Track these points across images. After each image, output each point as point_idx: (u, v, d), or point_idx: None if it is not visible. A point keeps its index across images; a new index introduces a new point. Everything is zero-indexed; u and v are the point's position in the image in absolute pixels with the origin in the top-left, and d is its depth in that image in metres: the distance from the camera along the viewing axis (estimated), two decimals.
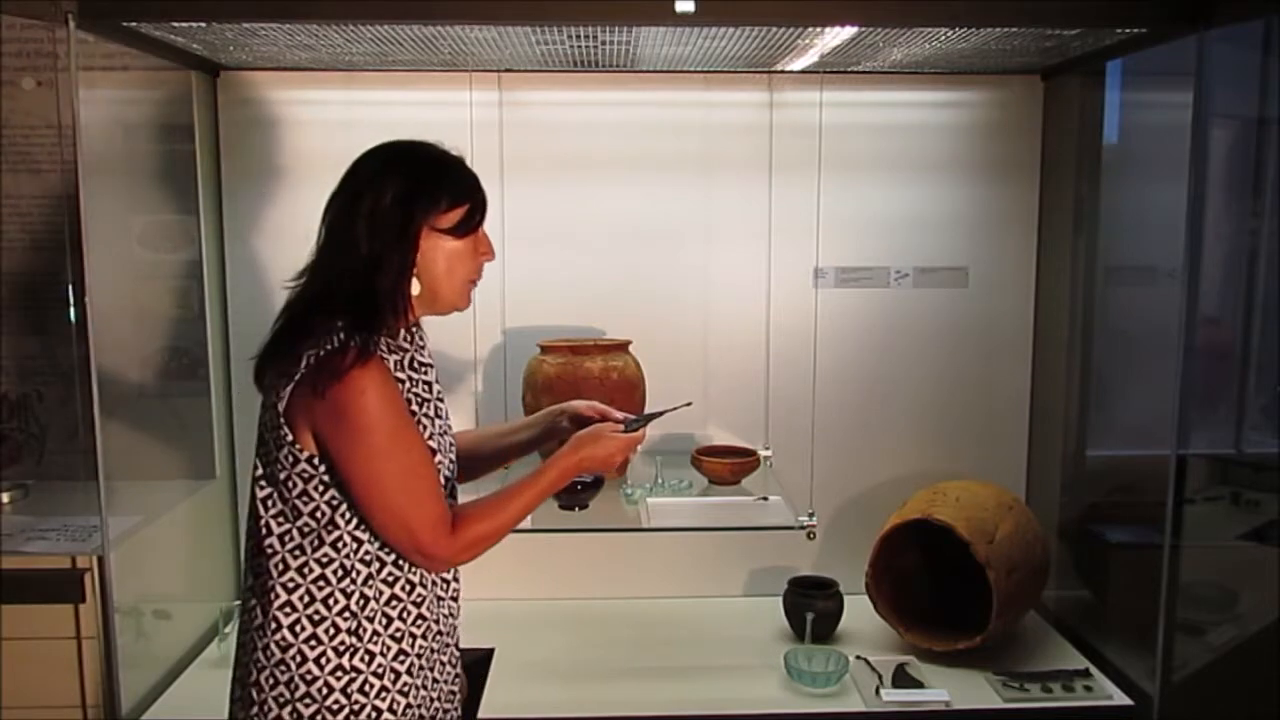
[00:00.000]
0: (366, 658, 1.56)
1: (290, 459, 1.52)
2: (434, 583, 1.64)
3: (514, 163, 2.73)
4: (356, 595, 1.55)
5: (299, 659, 1.54)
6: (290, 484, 1.53)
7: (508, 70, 2.69)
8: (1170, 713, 2.25)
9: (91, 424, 2.10)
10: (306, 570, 1.55)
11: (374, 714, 1.56)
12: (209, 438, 2.70)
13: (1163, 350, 2.25)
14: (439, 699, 1.67)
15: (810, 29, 2.18)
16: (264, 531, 1.56)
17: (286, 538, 1.55)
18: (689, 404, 1.52)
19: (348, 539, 1.55)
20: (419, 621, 1.61)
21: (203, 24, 2.14)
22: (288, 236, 2.68)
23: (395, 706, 1.58)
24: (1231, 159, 2.21)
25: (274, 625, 1.55)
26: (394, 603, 1.58)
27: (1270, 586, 2.02)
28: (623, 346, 2.61)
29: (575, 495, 2.28)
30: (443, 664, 1.67)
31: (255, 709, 1.56)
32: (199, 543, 2.68)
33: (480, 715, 2.20)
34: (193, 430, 2.69)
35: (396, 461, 1.49)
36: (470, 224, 1.61)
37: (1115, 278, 2.64)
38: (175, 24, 2.14)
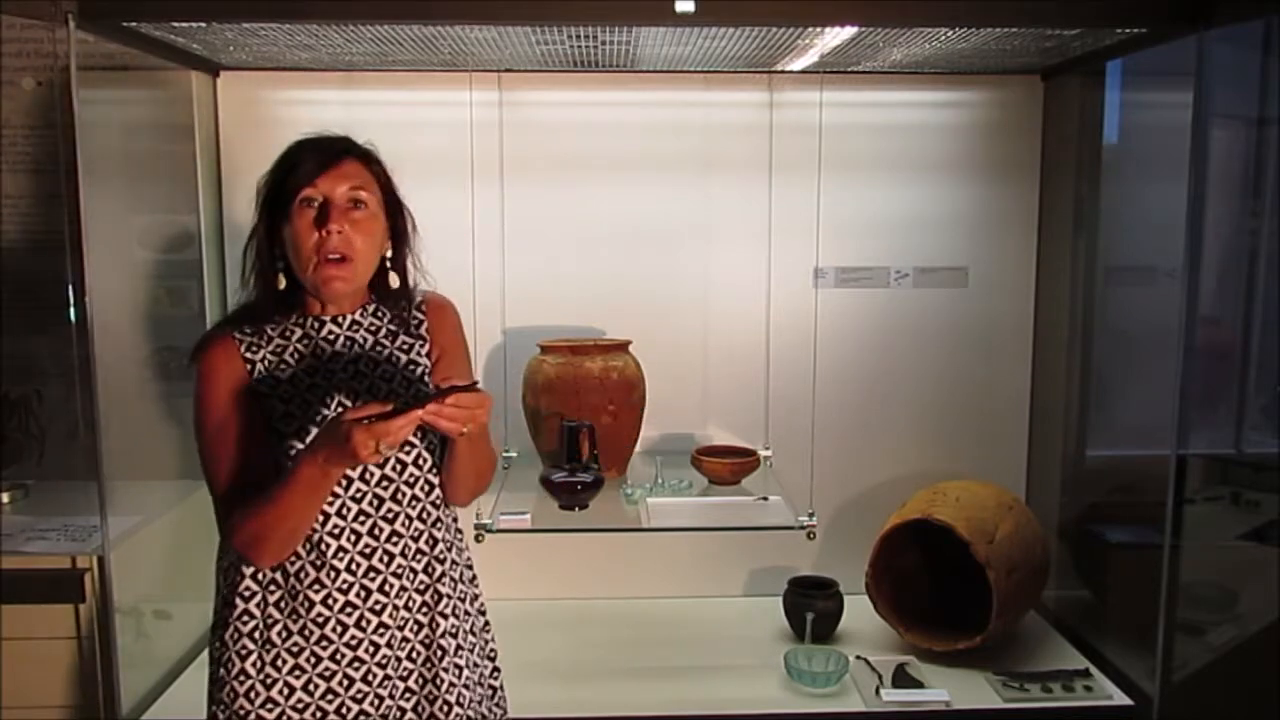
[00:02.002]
0: (222, 628, 1.61)
1: None
2: (321, 583, 1.58)
3: (514, 163, 2.73)
4: (228, 565, 1.63)
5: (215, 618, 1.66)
6: None
7: (508, 70, 2.68)
8: (1170, 713, 2.25)
9: (91, 424, 2.10)
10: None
11: (230, 695, 1.59)
12: None
13: (1163, 350, 2.24)
14: (338, 713, 1.59)
15: (810, 29, 2.18)
16: None
17: None
18: (475, 383, 1.44)
19: None
20: (293, 615, 1.58)
21: (203, 24, 2.14)
22: None
23: (253, 695, 1.57)
24: (1231, 159, 2.21)
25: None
26: (273, 587, 1.60)
27: (1270, 586, 2.02)
28: (623, 346, 2.61)
29: (575, 495, 2.28)
30: (350, 679, 1.59)
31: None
32: (199, 543, 2.65)
33: None
34: (193, 430, 2.68)
35: (206, 437, 1.58)
36: (277, 201, 1.56)
37: (1115, 278, 2.64)
38: (175, 24, 2.14)
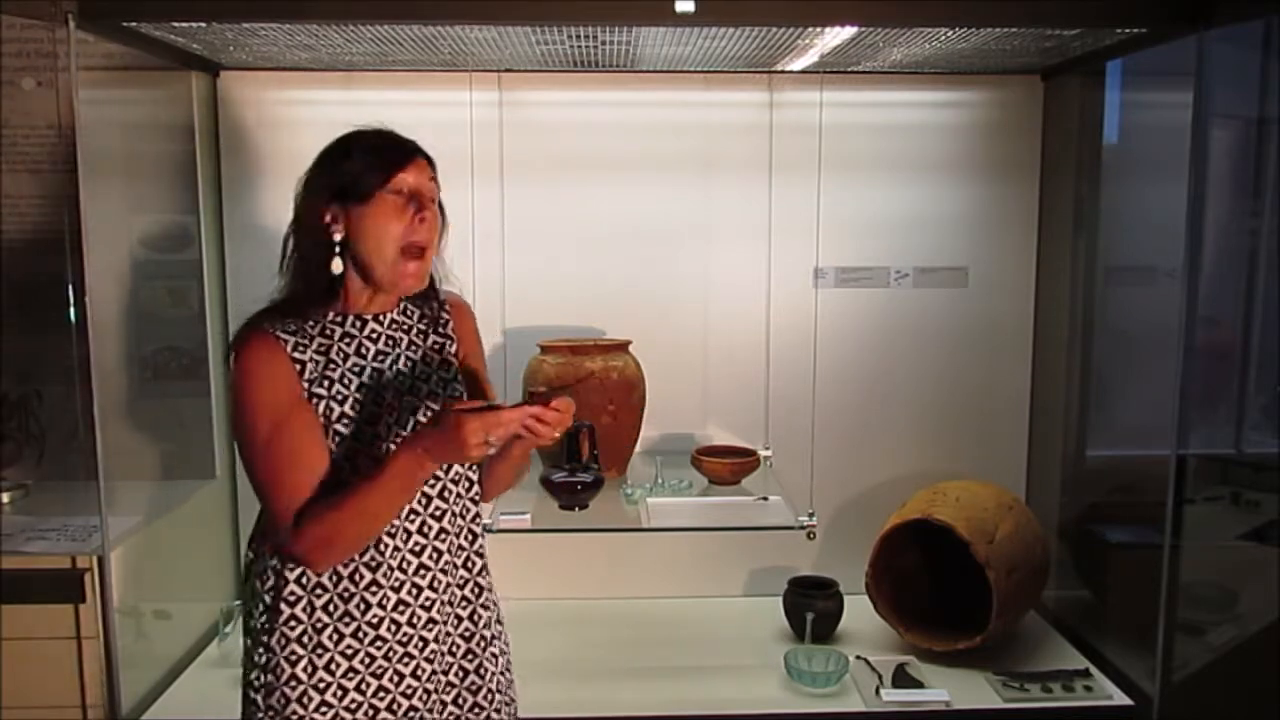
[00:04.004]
0: (267, 634, 1.57)
1: None
2: (378, 583, 1.56)
3: (514, 163, 2.73)
4: (264, 569, 1.58)
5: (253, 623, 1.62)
6: None
7: (508, 70, 2.69)
8: (1170, 713, 2.25)
9: (91, 424, 2.10)
10: (260, 539, 1.61)
11: (281, 701, 1.55)
12: (209, 438, 2.70)
13: (1163, 350, 2.25)
14: (389, 710, 1.58)
15: (810, 29, 2.18)
16: None
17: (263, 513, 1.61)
18: (569, 388, 1.46)
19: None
20: (345, 618, 1.55)
21: (203, 24, 2.14)
22: None
23: (305, 700, 1.54)
24: (1231, 159, 2.21)
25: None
26: (320, 591, 1.55)
27: (1270, 586, 2.02)
28: (623, 346, 2.61)
29: (575, 495, 2.28)
30: (400, 675, 1.59)
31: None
32: (199, 543, 2.68)
33: None
34: (193, 430, 2.69)
35: (261, 438, 1.49)
36: (367, 184, 1.52)
37: (1115, 278, 2.64)
38: (175, 24, 2.14)
